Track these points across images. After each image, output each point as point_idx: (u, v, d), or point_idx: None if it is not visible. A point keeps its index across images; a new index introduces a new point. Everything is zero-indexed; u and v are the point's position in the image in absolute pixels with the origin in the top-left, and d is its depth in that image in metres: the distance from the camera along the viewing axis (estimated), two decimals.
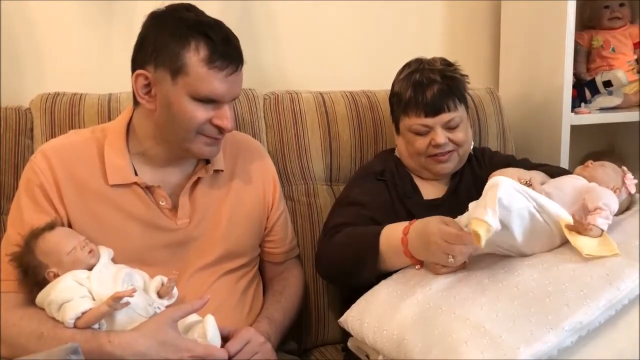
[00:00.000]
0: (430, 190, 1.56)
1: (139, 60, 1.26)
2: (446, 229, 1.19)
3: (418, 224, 1.27)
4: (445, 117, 1.47)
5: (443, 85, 1.47)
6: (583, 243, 1.14)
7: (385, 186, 1.53)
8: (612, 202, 1.23)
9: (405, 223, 1.29)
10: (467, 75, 1.55)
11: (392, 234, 1.30)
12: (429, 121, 1.47)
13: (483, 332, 1.04)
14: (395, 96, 1.55)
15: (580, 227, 1.16)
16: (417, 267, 1.29)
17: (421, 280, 1.23)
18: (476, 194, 1.31)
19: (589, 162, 1.38)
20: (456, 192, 1.54)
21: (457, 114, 1.49)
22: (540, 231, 1.19)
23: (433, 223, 1.22)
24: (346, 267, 1.36)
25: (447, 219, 1.24)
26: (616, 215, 1.26)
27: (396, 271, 1.31)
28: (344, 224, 1.42)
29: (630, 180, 1.34)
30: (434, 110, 1.47)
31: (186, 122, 1.24)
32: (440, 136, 1.47)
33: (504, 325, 1.04)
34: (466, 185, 1.56)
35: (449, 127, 1.49)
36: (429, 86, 1.47)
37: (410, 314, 1.15)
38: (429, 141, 1.49)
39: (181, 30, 1.22)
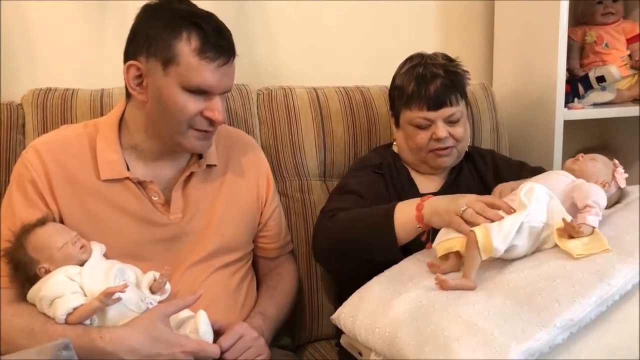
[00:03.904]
0: (427, 184, 1.56)
1: (131, 51, 1.26)
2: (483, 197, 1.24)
3: (447, 195, 1.31)
4: (447, 111, 1.48)
5: (446, 79, 1.48)
6: (572, 245, 1.14)
7: (382, 179, 1.53)
8: (601, 198, 1.22)
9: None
10: (468, 71, 1.56)
11: (407, 203, 1.31)
12: (431, 115, 1.48)
13: (475, 329, 1.03)
14: (396, 89, 1.54)
15: (572, 231, 1.16)
16: (423, 237, 1.29)
17: (413, 278, 1.23)
18: (476, 191, 1.32)
19: (580, 155, 1.37)
20: (453, 186, 1.54)
21: (459, 108, 1.49)
22: (544, 239, 1.21)
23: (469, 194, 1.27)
24: (355, 243, 1.34)
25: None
26: (606, 208, 1.26)
27: (389, 267, 1.31)
28: (343, 208, 1.41)
29: (621, 174, 1.33)
30: (436, 104, 1.47)
31: (177, 114, 1.24)
32: (442, 130, 1.47)
33: (496, 322, 1.04)
34: (465, 181, 1.56)
35: (450, 122, 1.49)
36: (432, 80, 1.47)
37: (403, 311, 1.15)
38: (430, 135, 1.49)
39: (173, 20, 1.21)
